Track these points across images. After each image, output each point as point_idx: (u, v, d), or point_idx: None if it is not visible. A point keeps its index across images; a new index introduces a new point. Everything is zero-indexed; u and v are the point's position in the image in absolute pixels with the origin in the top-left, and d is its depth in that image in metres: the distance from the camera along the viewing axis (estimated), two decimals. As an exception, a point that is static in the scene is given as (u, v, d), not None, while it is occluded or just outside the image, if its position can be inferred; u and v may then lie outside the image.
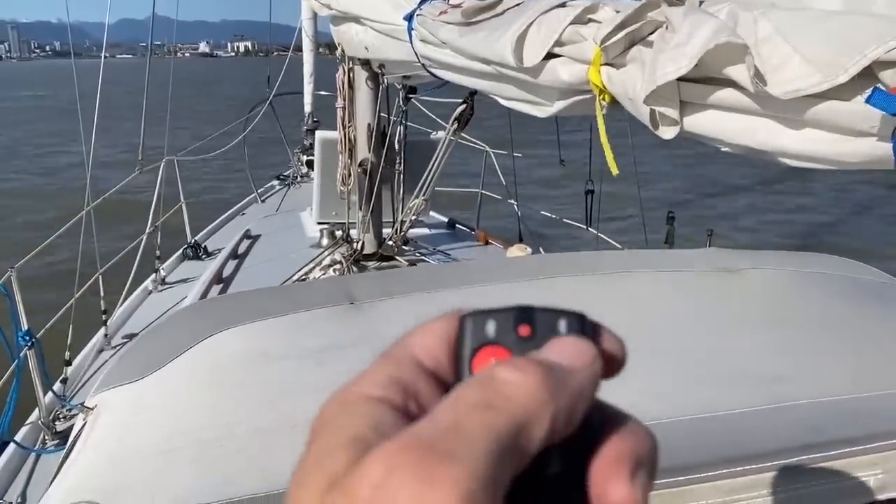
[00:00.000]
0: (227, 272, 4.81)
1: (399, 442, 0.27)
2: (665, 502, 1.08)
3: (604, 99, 1.58)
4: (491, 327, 0.33)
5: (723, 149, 1.43)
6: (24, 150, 23.37)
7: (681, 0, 1.50)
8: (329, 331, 1.69)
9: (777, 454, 1.15)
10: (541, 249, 5.03)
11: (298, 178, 7.46)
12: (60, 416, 3.40)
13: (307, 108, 8.22)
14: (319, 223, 5.01)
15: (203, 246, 5.82)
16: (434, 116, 4.97)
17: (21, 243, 5.30)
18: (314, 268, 4.12)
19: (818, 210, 13.69)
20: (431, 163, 3.78)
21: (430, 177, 3.83)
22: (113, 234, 6.32)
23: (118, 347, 4.20)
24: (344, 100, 4.14)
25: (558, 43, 1.66)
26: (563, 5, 1.74)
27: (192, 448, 1.27)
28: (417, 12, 2.62)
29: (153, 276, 5.26)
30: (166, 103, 6.66)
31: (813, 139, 1.23)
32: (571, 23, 1.63)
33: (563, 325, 0.33)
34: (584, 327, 0.33)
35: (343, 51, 3.90)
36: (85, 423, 1.47)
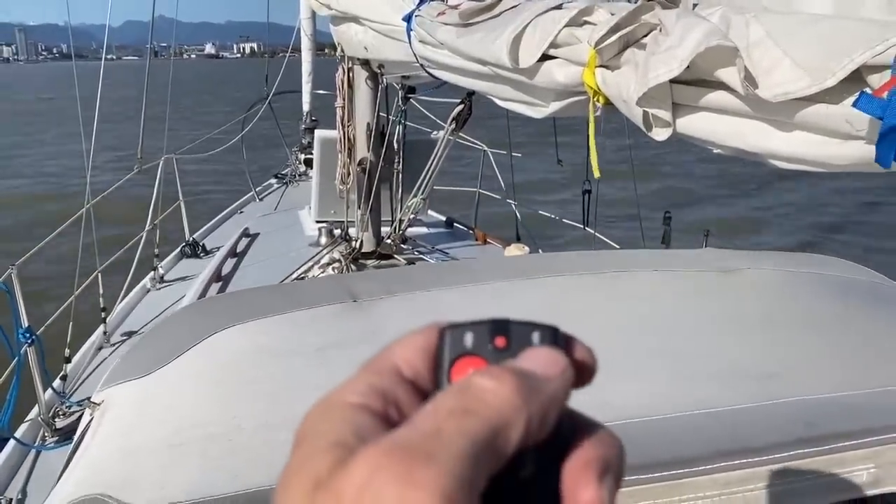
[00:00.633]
0: (225, 270, 4.83)
1: (382, 445, 0.29)
2: (663, 494, 1.10)
3: (598, 100, 1.60)
4: (469, 339, 0.35)
5: (714, 150, 1.45)
6: (27, 150, 23.38)
7: (674, 3, 1.52)
8: (332, 328, 1.71)
9: (772, 448, 1.17)
10: (538, 249, 5.05)
11: (296, 177, 7.48)
12: (60, 412, 3.42)
13: (305, 107, 8.24)
14: (318, 222, 5.03)
15: (201, 244, 5.84)
16: (433, 116, 4.99)
17: (21, 241, 5.31)
18: (313, 266, 4.14)
19: (818, 212, 13.72)
20: (430, 162, 3.80)
21: (428, 176, 3.85)
22: (112, 232, 6.33)
23: (117, 345, 4.22)
24: (343, 99, 4.16)
25: (553, 45, 1.68)
26: (558, 7, 1.76)
27: (199, 442, 1.29)
28: (416, 13, 2.64)
29: (152, 274, 5.28)
30: (167, 103, 6.67)
31: (802, 141, 1.25)
32: (566, 25, 1.65)
33: (536, 336, 0.35)
34: (557, 339, 0.35)
35: (342, 50, 3.92)
36: (92, 419, 1.49)
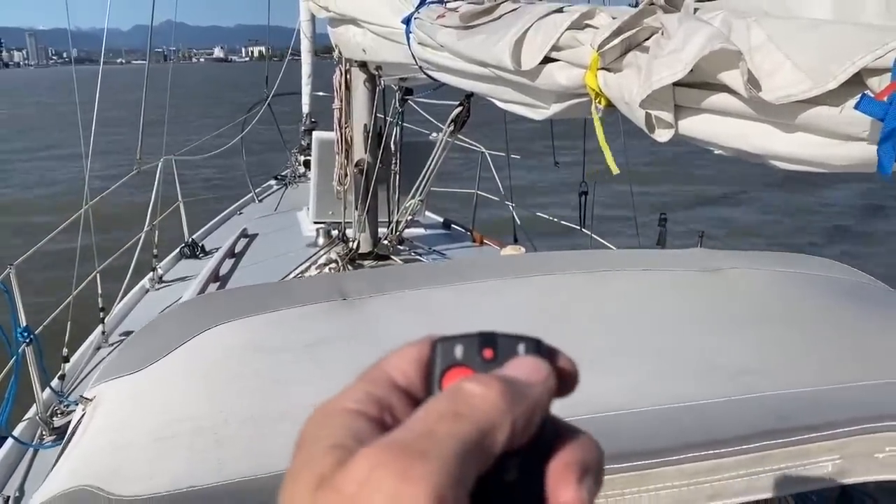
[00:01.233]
0: (223, 271, 4.83)
1: (380, 445, 0.31)
2: (630, 484, 1.12)
3: (600, 102, 1.62)
4: (459, 351, 0.37)
5: (716, 152, 1.47)
6: (30, 151, 23.34)
7: (676, 7, 1.54)
8: (321, 326, 1.73)
9: (740, 440, 1.20)
10: (535, 250, 5.06)
11: (296, 178, 7.49)
12: (58, 411, 3.42)
13: (305, 109, 8.25)
14: (316, 222, 5.04)
15: (200, 245, 5.84)
16: (430, 118, 5.00)
17: (20, 241, 5.30)
18: (310, 266, 4.15)
19: (820, 213, 13.77)
20: (428, 164, 3.81)
21: (426, 177, 3.86)
22: (111, 233, 6.32)
23: (116, 345, 4.22)
24: (341, 101, 4.18)
25: (556, 47, 1.69)
26: (560, 11, 1.78)
27: (186, 436, 1.31)
28: (415, 16, 2.65)
29: (150, 274, 5.28)
30: (166, 104, 6.66)
31: (804, 143, 1.26)
32: (569, 28, 1.67)
33: (521, 348, 0.37)
34: (541, 350, 0.37)
35: (340, 52, 3.93)
36: (84, 414, 1.51)
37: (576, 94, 1.76)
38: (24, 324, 3.29)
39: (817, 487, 1.25)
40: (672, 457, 1.16)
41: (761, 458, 1.19)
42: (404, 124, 4.42)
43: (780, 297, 1.96)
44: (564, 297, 1.94)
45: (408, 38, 2.75)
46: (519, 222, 5.82)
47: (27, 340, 3.25)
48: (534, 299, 1.89)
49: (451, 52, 2.30)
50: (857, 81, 1.14)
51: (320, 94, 7.59)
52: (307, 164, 6.66)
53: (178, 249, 5.79)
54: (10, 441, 3.17)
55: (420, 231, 5.27)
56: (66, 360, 3.99)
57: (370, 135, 4.09)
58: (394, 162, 4.33)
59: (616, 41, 1.52)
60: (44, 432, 3.32)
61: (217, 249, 5.37)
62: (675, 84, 1.38)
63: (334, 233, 4.61)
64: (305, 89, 8.22)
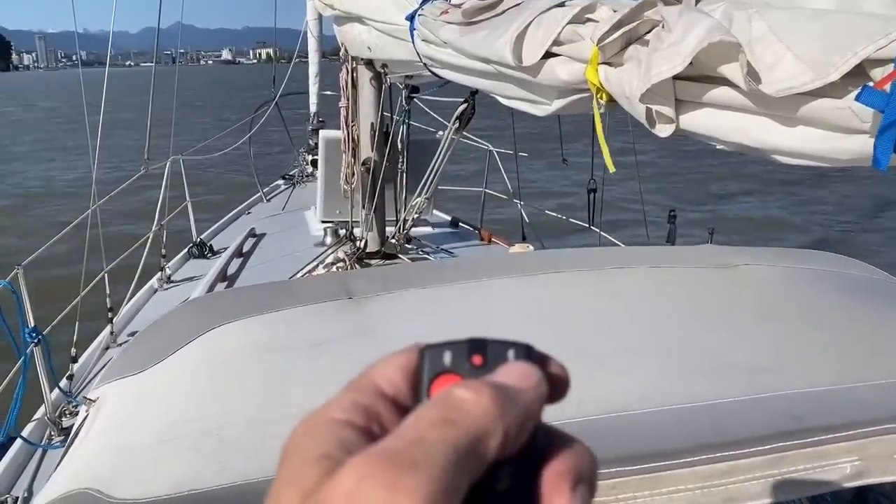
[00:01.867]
0: (231, 270, 4.84)
1: (368, 455, 0.30)
2: (644, 487, 1.10)
3: (601, 97, 1.60)
4: (447, 357, 0.36)
5: (718, 146, 1.45)
6: (39, 152, 23.49)
7: (677, -1, 1.52)
8: (326, 324, 1.72)
9: (755, 441, 1.17)
10: (544, 248, 5.04)
11: (304, 178, 7.49)
12: (66, 412, 3.43)
13: (313, 109, 8.25)
14: (323, 222, 5.04)
15: (209, 245, 5.85)
16: (437, 116, 4.99)
17: (28, 242, 5.33)
18: (317, 266, 4.14)
19: (824, 210, 13.66)
20: (433, 161, 3.80)
21: (432, 175, 3.85)
22: (119, 232, 6.35)
23: (124, 345, 4.23)
24: (347, 99, 4.17)
25: (556, 42, 1.68)
26: (561, 5, 1.76)
27: (190, 437, 1.30)
28: (419, 12, 2.64)
29: (159, 274, 5.30)
30: (180, 108, 6.68)
31: (806, 136, 1.24)
32: (570, 22, 1.65)
33: (511, 354, 0.36)
34: (532, 355, 0.36)
35: (346, 51, 3.93)
36: (88, 415, 1.51)
37: (577, 90, 1.74)
38: (32, 324, 3.30)
39: (835, 489, 1.22)
40: (685, 458, 1.14)
41: (778, 460, 1.16)
42: (411, 122, 4.41)
43: (792, 293, 1.93)
44: (572, 295, 1.92)
45: (412, 35, 2.73)
46: (528, 221, 5.80)
47: (35, 341, 3.26)
48: (541, 297, 1.87)
49: (453, 48, 2.29)
50: (859, 73, 1.12)
51: (328, 93, 7.59)
52: (315, 164, 6.66)
53: (186, 249, 5.80)
54: (18, 441, 3.18)
55: (428, 230, 5.26)
56: (75, 360, 4.00)
57: (377, 133, 4.08)
58: (401, 160, 4.32)
59: (616, 35, 1.50)
60: (52, 433, 3.34)
61: (225, 249, 5.38)
62: (676, 78, 1.36)
63: (342, 232, 4.61)
64: (313, 88, 8.24)
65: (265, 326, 1.73)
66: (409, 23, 2.75)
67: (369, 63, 3.94)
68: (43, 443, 3.27)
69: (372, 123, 4.10)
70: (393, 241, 4.30)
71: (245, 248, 5.31)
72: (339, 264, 4.09)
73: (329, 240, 4.76)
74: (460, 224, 5.79)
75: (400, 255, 4.24)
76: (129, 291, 4.97)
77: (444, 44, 2.36)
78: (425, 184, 3.90)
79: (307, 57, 8.25)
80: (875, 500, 1.91)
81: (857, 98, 1.03)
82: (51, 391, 3.40)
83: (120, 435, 1.39)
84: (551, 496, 0.33)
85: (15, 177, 19.01)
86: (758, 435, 1.18)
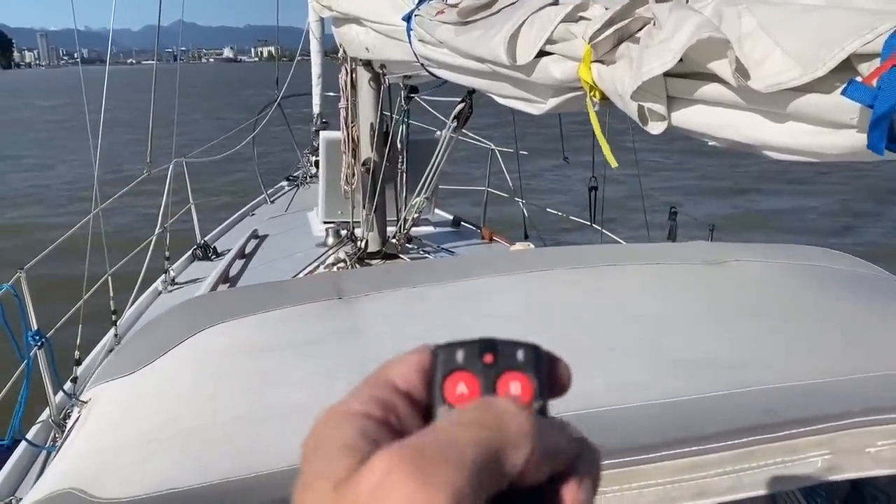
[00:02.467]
0: (233, 272, 4.85)
1: (399, 448, 0.31)
2: (613, 482, 1.10)
3: (595, 96, 1.60)
4: (460, 356, 0.38)
5: (710, 143, 1.45)
6: (39, 155, 23.54)
7: (668, -4, 1.52)
8: (315, 324, 1.73)
9: (722, 436, 1.16)
10: (546, 246, 5.04)
11: (307, 179, 7.50)
12: (70, 414, 3.45)
13: (315, 110, 8.27)
14: (325, 222, 5.05)
15: (212, 247, 5.86)
16: (438, 115, 5.00)
17: (31, 245, 5.35)
18: (318, 266, 4.16)
19: (825, 209, 13.63)
20: (432, 161, 3.81)
21: (431, 175, 3.85)
22: (122, 235, 6.37)
23: None
24: (347, 100, 4.18)
25: (550, 41, 1.68)
26: (555, 3, 1.76)
27: (177, 437, 1.32)
28: (416, 12, 2.65)
29: (163, 276, 5.31)
30: (182, 107, 6.69)
31: (795, 132, 1.24)
32: (562, 21, 1.65)
33: (521, 353, 0.37)
34: (539, 356, 0.38)
35: (345, 52, 3.94)
36: (80, 416, 1.52)
37: (571, 88, 1.74)
38: (35, 327, 3.31)
39: (807, 484, 1.21)
40: (653, 454, 1.14)
41: (746, 455, 1.15)
42: (411, 122, 4.41)
43: (779, 289, 1.93)
44: (563, 292, 1.92)
45: (409, 36, 2.74)
46: (529, 219, 5.80)
47: (38, 344, 3.28)
48: (530, 295, 1.88)
49: (449, 48, 2.30)
50: (848, 68, 1.12)
51: (331, 94, 7.60)
52: (318, 165, 6.68)
53: (190, 251, 5.82)
54: (23, 444, 3.20)
55: (429, 229, 5.27)
56: (79, 363, 4.02)
57: (376, 133, 4.09)
58: (401, 160, 4.33)
59: (608, 32, 1.50)
60: (56, 435, 3.34)
61: (229, 251, 5.39)
62: (667, 75, 1.37)
63: (343, 232, 4.62)
64: (315, 90, 8.25)
65: (255, 327, 1.74)
66: (405, 23, 2.76)
67: (368, 64, 3.95)
68: (47, 445, 3.29)
69: (371, 124, 4.11)
70: (394, 240, 4.31)
71: (248, 250, 5.32)
72: (339, 265, 4.11)
73: (330, 240, 4.77)
74: (462, 223, 5.80)
75: (401, 255, 4.24)
76: (133, 294, 4.99)
77: (440, 44, 2.37)
78: (425, 183, 3.91)
79: (309, 55, 8.25)
80: (871, 494, 1.90)
81: (843, 92, 1.03)
82: (55, 394, 3.41)
83: (109, 435, 1.40)
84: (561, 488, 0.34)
85: (17, 179, 19.05)
86: (727, 429, 1.18)
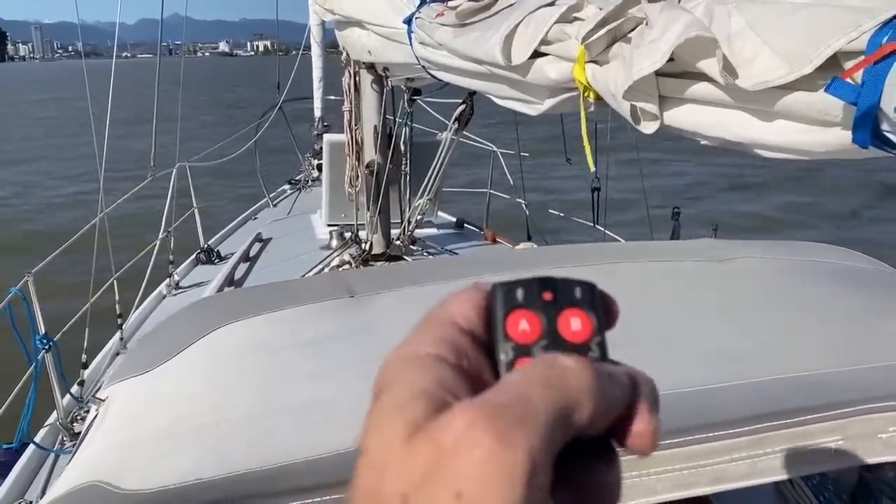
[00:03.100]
0: (238, 275, 4.88)
1: (477, 404, 0.32)
2: (626, 469, 1.12)
3: (589, 96, 1.63)
4: (520, 294, 0.38)
5: (702, 142, 1.47)
6: (40, 155, 23.58)
7: (660, -4, 1.54)
8: (327, 323, 1.75)
9: (736, 423, 1.18)
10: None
11: (310, 182, 7.53)
12: (78, 417, 3.48)
13: (317, 113, 8.30)
14: (329, 225, 5.08)
15: (216, 251, 5.89)
16: (441, 117, 5.02)
17: (37, 249, 5.38)
18: (322, 269, 4.18)
19: (828, 207, 13.60)
20: (434, 163, 3.83)
21: (433, 177, 3.88)
22: (127, 239, 6.40)
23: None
24: (350, 103, 4.21)
25: (544, 41, 1.70)
26: (550, 4, 1.78)
27: (193, 432, 1.34)
28: (416, 15, 2.67)
29: (167, 280, 5.34)
30: (178, 112, 6.72)
31: (784, 130, 1.26)
32: (557, 21, 1.67)
33: (578, 291, 0.38)
34: (594, 294, 0.39)
35: (348, 55, 3.96)
36: (97, 414, 1.55)
37: (567, 88, 1.76)
38: (43, 331, 3.35)
39: (821, 470, 1.24)
40: (668, 440, 1.16)
41: (760, 441, 1.18)
42: (415, 125, 4.44)
43: (787, 283, 1.95)
44: None
45: (410, 38, 2.77)
46: (532, 220, 5.82)
47: (46, 347, 3.31)
48: None
49: (448, 50, 2.32)
50: (834, 65, 1.14)
51: (332, 97, 7.62)
52: (321, 168, 6.70)
53: (193, 255, 5.85)
54: (31, 447, 3.23)
55: (433, 231, 5.29)
56: (85, 366, 4.05)
57: (380, 136, 4.11)
58: (404, 163, 4.36)
59: (601, 33, 1.52)
60: (64, 438, 3.38)
61: (232, 254, 5.42)
62: (659, 74, 1.39)
63: (347, 235, 4.64)
64: (317, 93, 8.27)
65: (267, 326, 1.77)
66: (406, 26, 2.78)
67: (371, 67, 3.98)
68: (55, 448, 3.32)
69: (375, 126, 4.13)
70: (398, 242, 4.33)
71: (252, 253, 5.35)
72: (344, 267, 4.13)
73: (334, 243, 4.79)
74: (465, 225, 5.82)
75: (405, 257, 4.26)
76: (138, 298, 5.02)
77: (440, 46, 2.39)
78: (428, 184, 3.93)
79: (308, 50, 8.24)
80: (878, 488, 1.91)
81: (827, 90, 1.05)
82: (62, 397, 3.44)
83: (127, 431, 1.44)
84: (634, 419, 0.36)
85: (19, 184, 19.09)
86: (741, 416, 1.20)
